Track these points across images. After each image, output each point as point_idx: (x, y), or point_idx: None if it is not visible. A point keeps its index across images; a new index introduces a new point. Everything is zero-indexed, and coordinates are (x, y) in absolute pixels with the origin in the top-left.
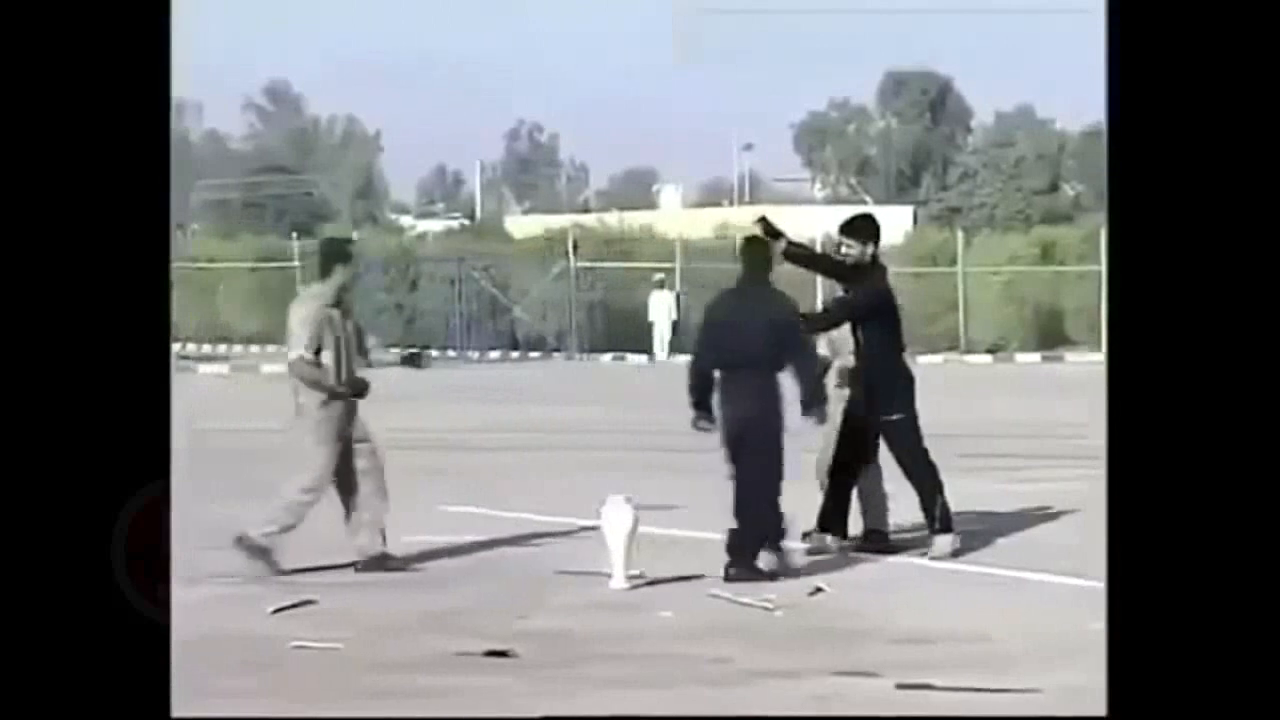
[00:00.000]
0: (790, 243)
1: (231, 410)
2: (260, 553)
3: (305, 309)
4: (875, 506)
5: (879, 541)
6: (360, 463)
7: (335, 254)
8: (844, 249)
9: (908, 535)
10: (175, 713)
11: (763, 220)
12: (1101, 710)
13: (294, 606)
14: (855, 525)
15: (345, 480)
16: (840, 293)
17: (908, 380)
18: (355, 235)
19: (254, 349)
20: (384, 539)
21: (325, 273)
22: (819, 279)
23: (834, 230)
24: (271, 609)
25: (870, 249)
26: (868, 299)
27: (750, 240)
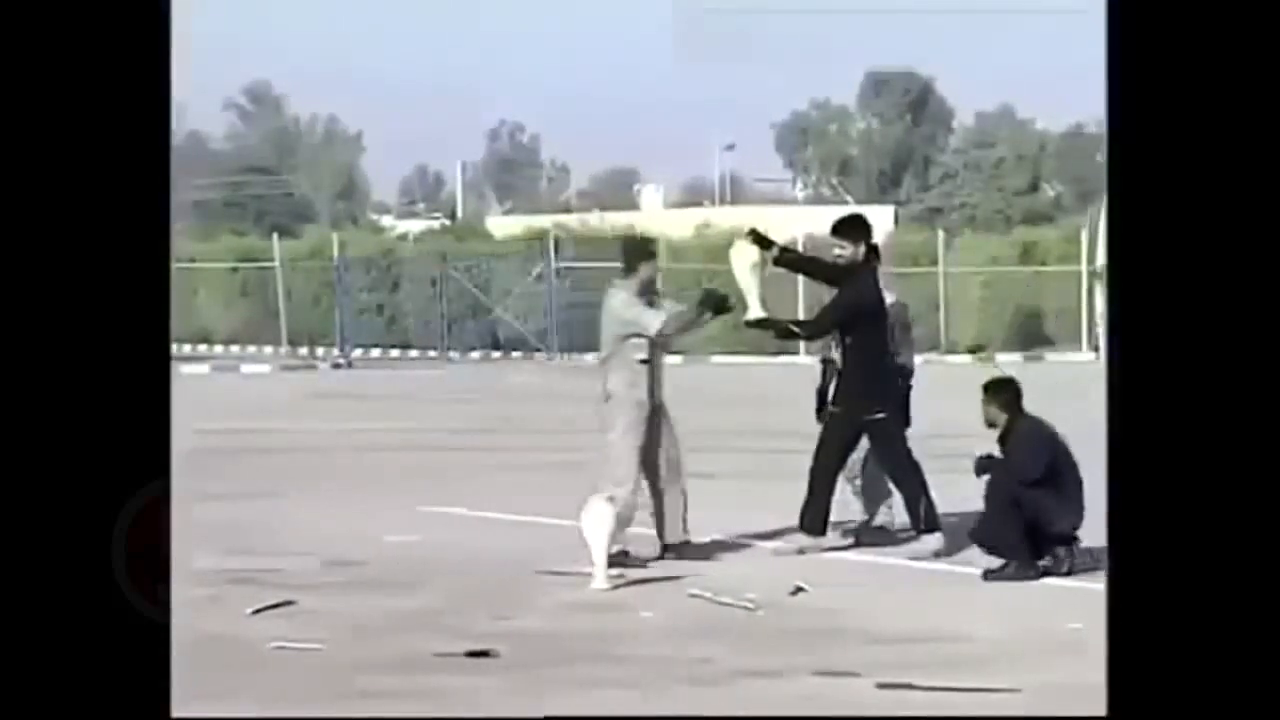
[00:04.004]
0: (782, 249)
1: (214, 410)
2: (621, 556)
3: (624, 296)
4: (875, 503)
5: (881, 538)
6: (664, 453)
7: (638, 252)
8: (837, 251)
9: (896, 535)
10: (175, 713)
11: (753, 232)
12: (1099, 710)
13: (273, 607)
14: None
15: (650, 469)
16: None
17: (892, 380)
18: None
19: (234, 349)
20: (685, 527)
21: (630, 269)
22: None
23: (815, 230)
24: (250, 609)
25: (862, 249)
26: (851, 300)
27: None
